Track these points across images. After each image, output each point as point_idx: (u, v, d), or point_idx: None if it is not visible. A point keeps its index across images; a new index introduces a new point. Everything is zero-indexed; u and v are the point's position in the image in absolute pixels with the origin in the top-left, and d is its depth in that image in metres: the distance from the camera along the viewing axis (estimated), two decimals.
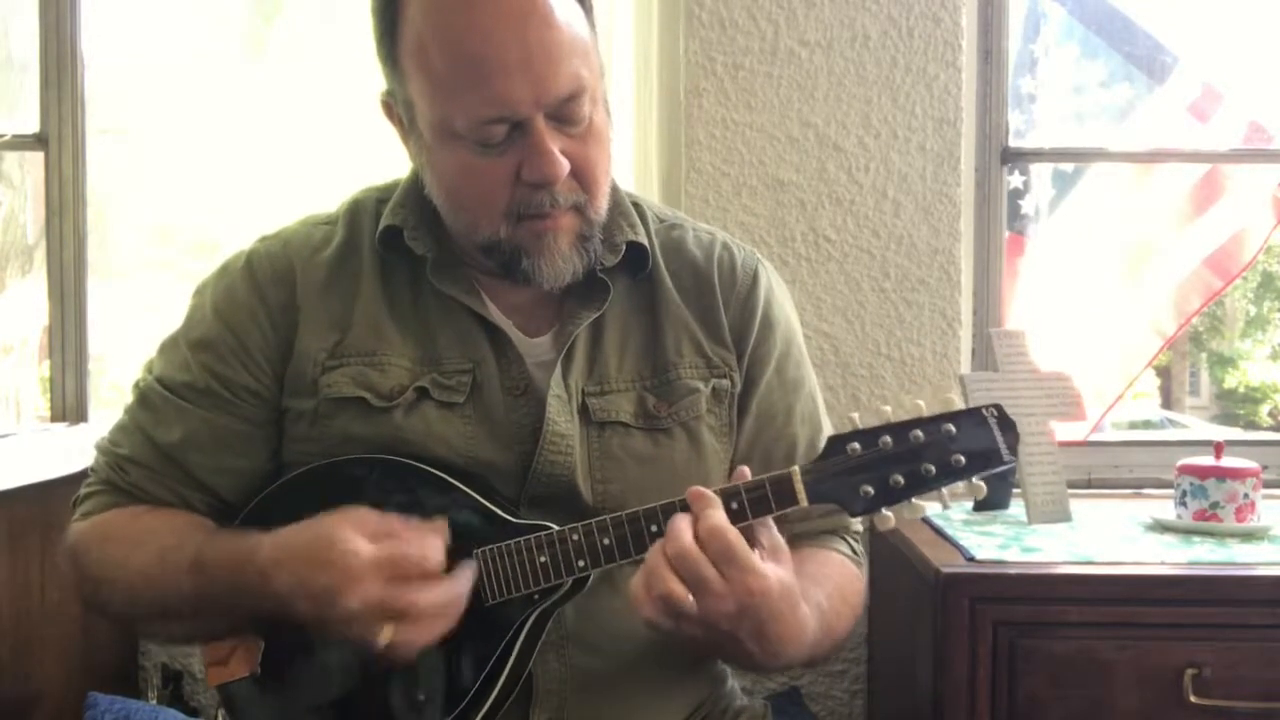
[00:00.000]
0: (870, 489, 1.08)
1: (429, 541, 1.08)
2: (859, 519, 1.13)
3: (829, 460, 1.10)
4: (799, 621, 1.08)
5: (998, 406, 1.09)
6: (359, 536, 1.06)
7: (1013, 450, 1.08)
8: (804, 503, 1.09)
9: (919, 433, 1.08)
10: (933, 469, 1.08)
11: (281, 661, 1.19)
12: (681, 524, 1.05)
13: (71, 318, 2.21)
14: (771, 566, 1.05)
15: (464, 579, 1.09)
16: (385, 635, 1.05)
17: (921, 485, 1.08)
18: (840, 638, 1.23)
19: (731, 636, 1.05)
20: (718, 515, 1.05)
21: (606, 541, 1.11)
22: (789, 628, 1.07)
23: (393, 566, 1.05)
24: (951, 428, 1.08)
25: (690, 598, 1.02)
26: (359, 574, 1.04)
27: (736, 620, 1.04)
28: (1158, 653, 1.43)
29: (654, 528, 1.10)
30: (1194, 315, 2.37)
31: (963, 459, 1.08)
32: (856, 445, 1.09)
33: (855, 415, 1.11)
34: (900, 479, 1.08)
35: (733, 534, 1.04)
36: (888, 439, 1.09)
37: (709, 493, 1.07)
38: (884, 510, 1.09)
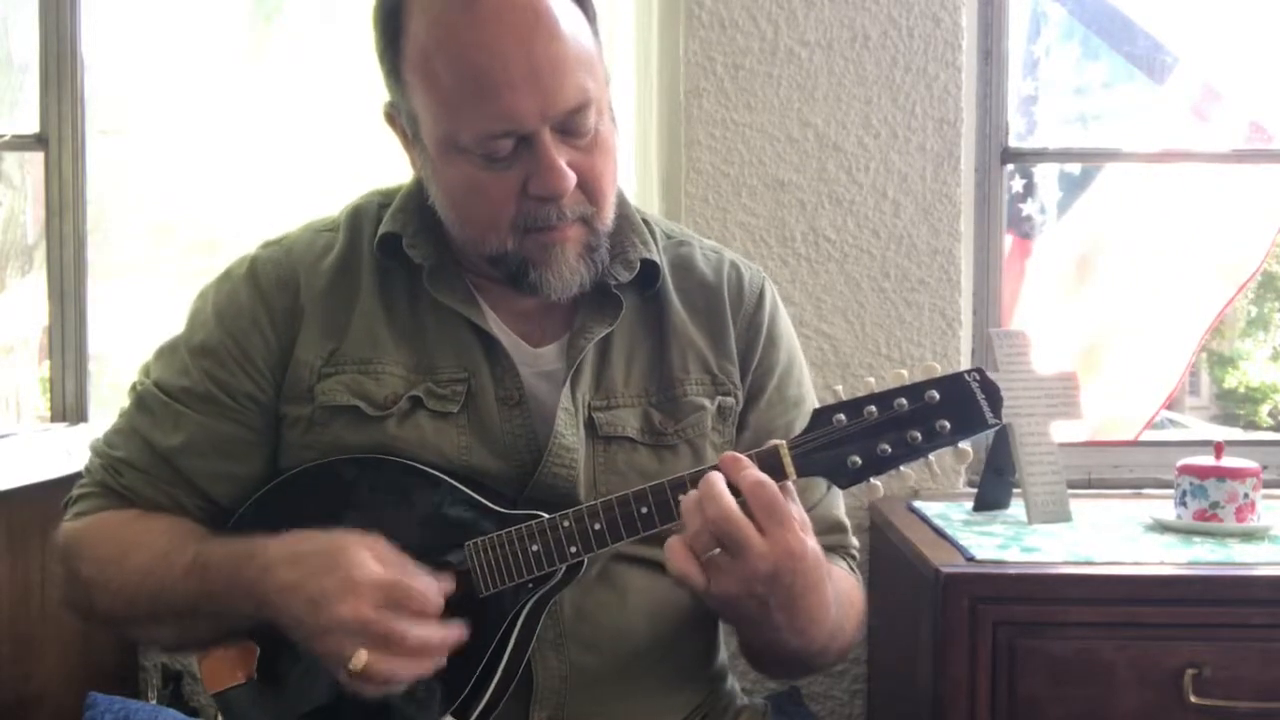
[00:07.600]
0: (858, 459, 1.08)
1: (433, 584, 1.07)
2: (848, 489, 1.12)
3: (815, 433, 1.09)
4: (822, 598, 1.07)
5: (979, 370, 1.09)
6: (370, 556, 1.06)
7: (996, 412, 1.08)
8: (793, 476, 1.09)
9: (903, 400, 1.08)
10: (919, 436, 1.07)
11: (278, 666, 1.19)
12: (719, 484, 1.03)
13: (71, 318, 2.21)
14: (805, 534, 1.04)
15: (455, 631, 1.08)
16: (358, 660, 1.03)
17: (909, 453, 1.08)
18: (846, 643, 1.22)
19: (762, 602, 1.03)
20: (758, 471, 1.04)
21: (598, 526, 1.11)
22: (815, 601, 1.06)
23: (392, 593, 1.05)
24: (935, 394, 1.07)
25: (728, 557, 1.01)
26: (359, 586, 1.04)
27: (771, 583, 1.02)
28: (1158, 653, 1.43)
29: (644, 510, 1.10)
30: (1214, 324, 2.35)
31: (948, 424, 1.07)
32: (842, 416, 1.08)
33: (839, 387, 1.11)
34: (887, 448, 1.08)
35: (775, 488, 1.02)
36: (872, 409, 1.08)
37: (740, 455, 1.06)
38: (872, 480, 1.09)
